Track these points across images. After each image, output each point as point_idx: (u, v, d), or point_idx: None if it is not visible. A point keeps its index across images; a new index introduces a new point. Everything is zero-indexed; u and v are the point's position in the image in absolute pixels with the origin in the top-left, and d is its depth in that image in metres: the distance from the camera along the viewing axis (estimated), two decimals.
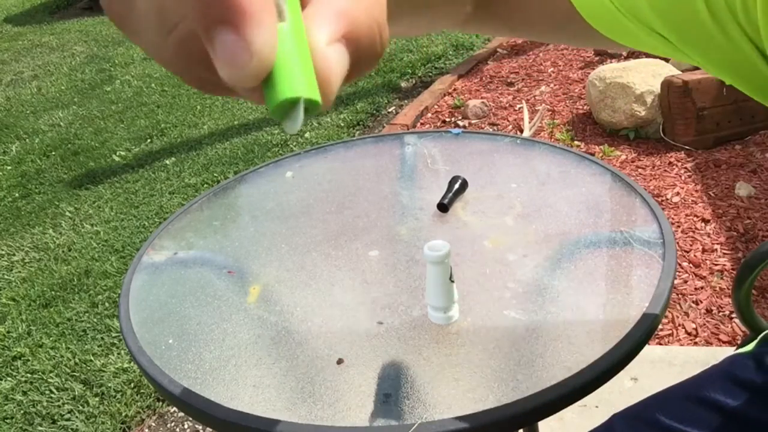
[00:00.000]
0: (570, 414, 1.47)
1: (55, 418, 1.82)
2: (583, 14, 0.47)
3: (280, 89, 0.19)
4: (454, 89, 3.62)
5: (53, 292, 2.38)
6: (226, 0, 0.18)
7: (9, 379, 1.99)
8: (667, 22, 0.45)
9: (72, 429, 1.78)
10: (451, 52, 4.22)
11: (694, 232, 2.12)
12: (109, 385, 1.89)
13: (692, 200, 2.28)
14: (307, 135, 3.37)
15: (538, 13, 0.50)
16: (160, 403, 1.84)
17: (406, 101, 3.62)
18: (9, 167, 3.59)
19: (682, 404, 0.74)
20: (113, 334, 2.10)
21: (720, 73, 0.48)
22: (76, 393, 1.88)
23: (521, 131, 2.97)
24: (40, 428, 1.79)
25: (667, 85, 2.59)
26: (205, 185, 3.02)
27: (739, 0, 0.42)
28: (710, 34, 0.45)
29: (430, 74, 3.94)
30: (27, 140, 3.92)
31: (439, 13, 0.47)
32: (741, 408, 0.71)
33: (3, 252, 2.72)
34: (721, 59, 0.46)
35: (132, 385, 1.89)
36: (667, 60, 3.02)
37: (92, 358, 2.01)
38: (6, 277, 2.54)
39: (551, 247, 0.86)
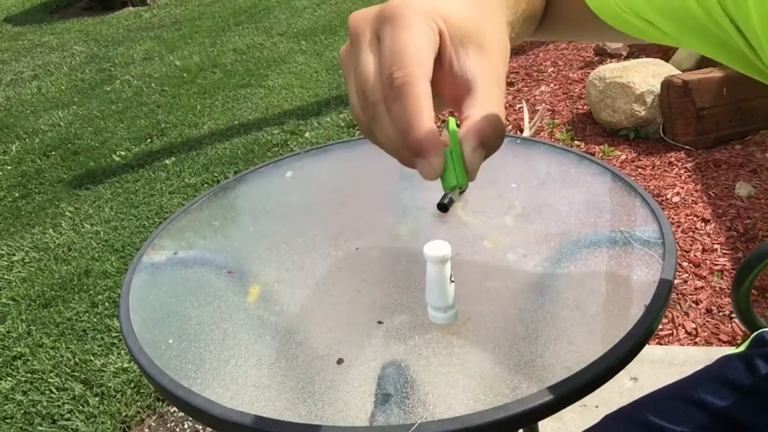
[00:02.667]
0: (570, 414, 1.47)
1: (55, 418, 1.82)
2: (597, 13, 0.56)
3: (447, 182, 0.39)
4: None
5: (53, 292, 2.38)
6: (420, 145, 0.37)
7: (9, 379, 1.99)
8: (663, 16, 0.51)
9: (72, 429, 1.78)
10: None
11: (694, 232, 2.12)
12: (109, 385, 1.89)
13: (692, 200, 2.28)
14: (307, 135, 3.37)
15: (577, 17, 0.60)
16: (160, 403, 1.84)
17: None
18: (9, 167, 3.59)
19: (673, 404, 0.74)
20: (113, 334, 2.10)
21: (716, 57, 0.52)
22: (76, 393, 1.89)
23: (521, 131, 2.97)
24: (40, 428, 1.79)
25: (667, 85, 2.59)
26: (205, 185, 3.02)
27: None
28: (702, 25, 0.48)
29: None
30: (27, 140, 3.92)
31: (523, 33, 0.60)
32: (730, 409, 0.71)
33: (3, 252, 2.72)
34: (714, 46, 0.50)
35: (132, 385, 1.89)
36: (667, 60, 3.02)
37: (92, 358, 2.01)
38: (6, 277, 2.54)
39: (551, 247, 0.86)
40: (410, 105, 0.36)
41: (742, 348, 0.80)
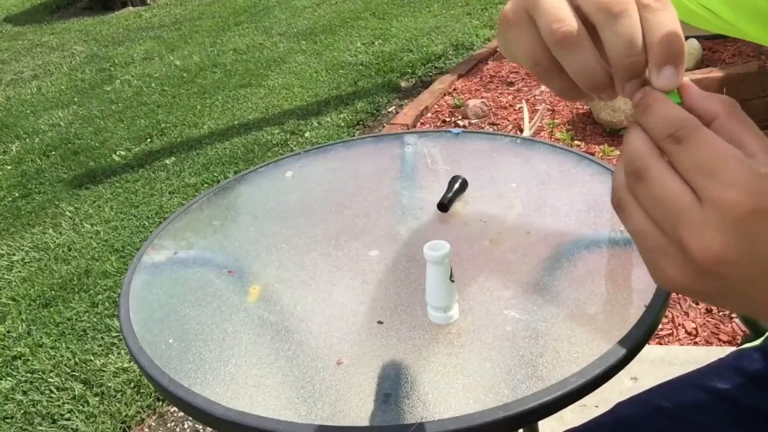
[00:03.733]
0: (570, 414, 1.47)
1: (55, 417, 1.82)
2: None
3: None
4: (454, 89, 3.62)
5: (53, 292, 2.38)
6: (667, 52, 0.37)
7: (9, 379, 1.99)
8: (722, 1, 0.55)
9: (72, 429, 1.78)
10: (451, 52, 4.22)
11: None
12: (109, 384, 1.89)
13: None
14: (307, 135, 3.37)
15: None
16: (160, 403, 1.84)
17: (406, 101, 3.62)
18: (9, 167, 3.59)
19: (686, 391, 0.74)
20: (113, 334, 2.10)
21: None
22: (76, 393, 1.89)
23: (521, 131, 2.97)
24: (40, 428, 1.79)
25: None
26: (205, 185, 3.02)
27: None
28: (762, 10, 0.51)
29: (430, 74, 3.94)
30: (27, 140, 3.92)
31: None
32: (747, 397, 0.71)
33: (3, 252, 2.72)
34: None
35: (132, 385, 1.89)
36: None
37: (92, 358, 2.01)
38: (6, 276, 2.54)
39: (551, 247, 0.86)
40: (635, 25, 0.37)
41: (759, 341, 0.81)
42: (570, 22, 0.37)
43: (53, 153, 3.68)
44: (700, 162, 0.32)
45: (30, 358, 2.06)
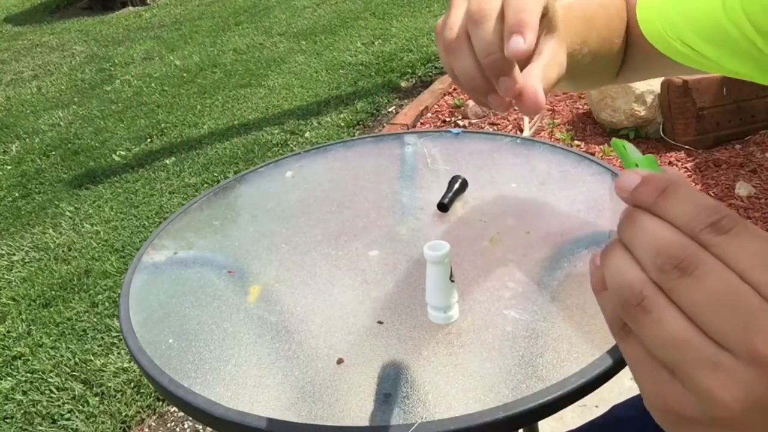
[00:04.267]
0: (570, 414, 1.47)
1: (55, 417, 1.82)
2: (650, 40, 0.64)
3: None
4: (454, 89, 3.62)
5: (53, 292, 2.38)
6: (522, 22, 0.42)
7: (9, 379, 1.99)
8: (702, 38, 0.58)
9: (72, 429, 1.78)
10: None
11: None
12: (109, 384, 1.89)
13: None
14: (307, 135, 3.37)
15: (643, 56, 0.68)
16: (160, 403, 1.84)
17: (406, 101, 3.62)
18: (9, 167, 3.59)
19: None
20: (113, 334, 2.10)
21: (758, 78, 0.58)
22: (76, 393, 1.89)
23: (521, 131, 2.97)
24: (40, 428, 1.79)
25: (667, 84, 2.59)
26: (205, 185, 3.02)
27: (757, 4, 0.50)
28: (736, 42, 0.54)
29: (430, 74, 3.94)
30: (27, 140, 3.92)
31: (596, 80, 0.71)
32: None
33: (3, 252, 2.72)
34: (752, 65, 0.56)
35: (132, 385, 1.89)
36: None
37: (92, 358, 2.01)
38: (6, 277, 2.54)
39: (551, 247, 0.86)
40: (491, 28, 0.43)
41: None
42: (453, 30, 0.45)
43: (53, 153, 3.68)
44: (761, 254, 0.27)
45: (30, 358, 2.06)
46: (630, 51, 0.69)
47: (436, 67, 4.02)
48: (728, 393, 0.26)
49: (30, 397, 1.90)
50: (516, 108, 0.45)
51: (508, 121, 3.15)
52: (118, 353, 2.02)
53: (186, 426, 1.79)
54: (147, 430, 1.78)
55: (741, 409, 0.26)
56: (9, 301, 2.37)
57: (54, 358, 2.04)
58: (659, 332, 0.28)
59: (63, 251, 2.65)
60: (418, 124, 3.27)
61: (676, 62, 0.63)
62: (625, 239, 0.31)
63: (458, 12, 0.45)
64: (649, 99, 2.67)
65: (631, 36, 0.67)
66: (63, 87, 4.82)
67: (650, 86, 2.68)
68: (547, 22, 0.47)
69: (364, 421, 0.63)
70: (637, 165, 0.34)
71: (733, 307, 0.26)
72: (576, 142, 2.81)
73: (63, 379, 1.95)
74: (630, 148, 0.36)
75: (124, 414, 1.80)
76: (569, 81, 0.65)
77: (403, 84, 3.87)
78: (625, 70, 0.71)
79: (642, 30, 0.64)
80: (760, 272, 0.26)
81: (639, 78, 0.74)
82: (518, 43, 0.40)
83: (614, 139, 0.37)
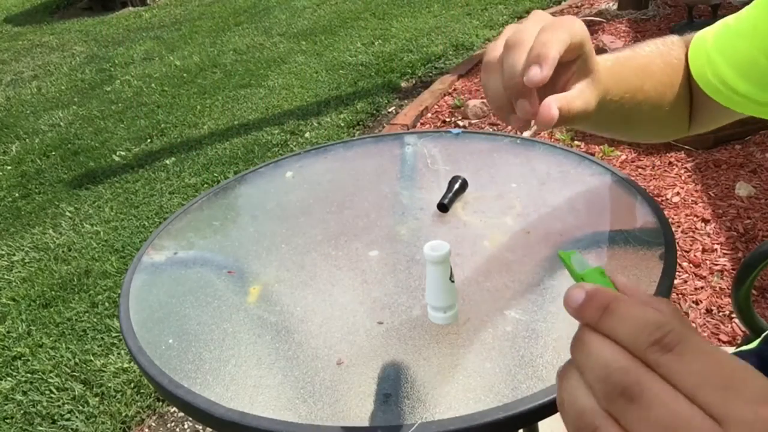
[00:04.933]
0: None
1: (55, 418, 1.82)
2: (702, 86, 0.68)
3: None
4: (454, 89, 3.62)
5: (53, 292, 2.38)
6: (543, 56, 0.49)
7: (9, 379, 1.99)
8: (743, 77, 0.61)
9: (72, 429, 1.78)
10: (451, 52, 4.22)
11: (694, 232, 2.12)
12: (109, 385, 1.89)
13: (692, 200, 2.28)
14: (307, 135, 3.37)
15: (702, 105, 0.71)
16: (160, 403, 1.84)
17: (406, 101, 3.62)
18: (9, 167, 3.59)
19: None
20: (113, 334, 2.10)
21: None
22: (76, 393, 1.88)
23: (521, 131, 2.96)
24: (40, 428, 1.79)
25: None
26: (205, 185, 3.02)
27: None
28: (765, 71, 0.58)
29: (430, 74, 3.94)
30: (27, 140, 3.92)
31: (665, 128, 0.75)
32: None
33: (3, 252, 2.72)
34: None
35: (132, 385, 1.89)
36: None
37: (92, 358, 2.01)
38: (6, 277, 2.54)
39: (551, 247, 0.86)
40: (519, 56, 0.49)
41: (754, 344, 0.80)
42: (494, 53, 0.52)
43: (53, 153, 3.68)
44: (706, 374, 0.27)
45: (30, 358, 2.06)
46: (694, 100, 0.72)
47: (436, 68, 4.02)
48: None
49: (30, 397, 1.90)
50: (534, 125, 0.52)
51: None
52: (118, 353, 2.02)
53: (186, 426, 1.79)
54: (147, 430, 1.78)
55: None
56: (9, 301, 2.37)
57: (54, 359, 2.04)
58: None
59: (63, 251, 2.65)
60: (418, 124, 3.27)
61: (727, 107, 0.67)
62: (576, 362, 0.31)
63: (503, 38, 0.51)
64: None
65: (693, 85, 0.71)
66: (63, 87, 4.82)
67: None
68: (581, 64, 0.53)
69: (364, 421, 0.63)
70: (583, 278, 0.34)
71: None
72: (576, 142, 2.81)
73: (63, 380, 1.95)
74: (576, 260, 0.36)
75: (124, 414, 1.80)
76: (630, 127, 0.71)
77: (403, 84, 3.87)
78: (696, 119, 0.74)
79: (693, 75, 0.68)
80: (704, 392, 0.26)
81: (711, 126, 0.76)
82: (535, 73, 0.47)
83: (560, 252, 0.37)
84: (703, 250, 2.02)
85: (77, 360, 2.01)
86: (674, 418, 0.26)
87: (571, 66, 0.53)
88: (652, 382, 0.27)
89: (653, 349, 0.28)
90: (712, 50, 0.65)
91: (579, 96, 0.53)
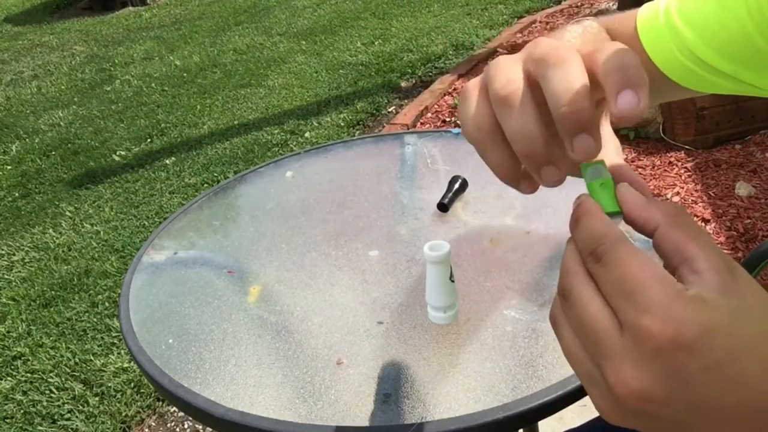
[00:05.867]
0: (570, 414, 1.47)
1: (55, 418, 1.82)
2: (664, 70, 0.60)
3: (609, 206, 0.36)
4: (454, 89, 3.62)
5: (53, 292, 2.38)
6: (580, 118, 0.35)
7: (9, 379, 1.99)
8: (727, 57, 0.56)
9: (72, 429, 1.78)
10: (451, 52, 4.22)
11: None
12: (109, 385, 1.89)
13: (692, 200, 2.28)
14: (307, 135, 3.37)
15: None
16: (160, 403, 1.84)
17: (406, 101, 3.62)
18: (9, 167, 3.59)
19: None
20: (113, 334, 2.10)
21: None
22: (76, 393, 1.88)
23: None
24: (40, 428, 1.79)
25: None
26: (205, 185, 3.02)
27: None
28: (760, 51, 0.53)
29: (430, 74, 3.94)
30: (27, 140, 3.92)
31: None
32: None
33: (3, 252, 2.72)
34: None
35: (132, 385, 1.89)
36: None
37: (92, 358, 2.01)
38: (6, 277, 2.54)
39: (551, 247, 0.86)
40: (576, 72, 0.35)
41: None
42: (517, 83, 0.36)
43: (53, 153, 3.68)
44: (618, 283, 0.30)
45: (30, 358, 2.06)
46: None
47: (436, 67, 4.02)
48: (602, 405, 0.31)
49: (30, 397, 1.90)
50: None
51: None
52: (118, 353, 2.02)
53: (186, 426, 1.79)
54: (147, 430, 1.78)
55: (613, 420, 0.31)
56: (9, 301, 2.37)
57: (54, 358, 2.04)
58: (562, 347, 0.34)
59: (63, 251, 2.65)
60: (418, 124, 3.27)
61: (682, 87, 0.62)
62: None
63: (503, 70, 0.38)
64: None
65: None
66: (63, 87, 4.82)
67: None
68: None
69: (364, 421, 0.63)
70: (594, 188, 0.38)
71: (589, 332, 0.31)
72: None
73: (63, 379, 1.95)
74: (592, 171, 0.38)
75: (124, 414, 1.80)
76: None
77: (403, 84, 3.87)
78: None
79: (653, 59, 0.62)
80: (614, 299, 0.30)
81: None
82: (632, 103, 0.33)
83: (582, 164, 0.38)
84: None
85: (77, 360, 2.01)
86: (585, 315, 0.31)
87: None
88: (580, 285, 0.32)
89: (588, 258, 0.32)
90: (684, 29, 0.59)
91: (611, 148, 0.44)
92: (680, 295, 0.29)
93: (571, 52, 0.35)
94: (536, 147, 0.36)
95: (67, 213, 2.97)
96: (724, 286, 0.29)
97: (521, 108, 0.35)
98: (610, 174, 0.37)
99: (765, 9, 0.52)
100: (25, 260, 2.64)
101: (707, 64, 0.57)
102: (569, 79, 0.34)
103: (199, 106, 4.00)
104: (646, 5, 0.63)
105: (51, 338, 2.13)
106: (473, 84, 0.39)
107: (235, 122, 3.69)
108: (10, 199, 3.22)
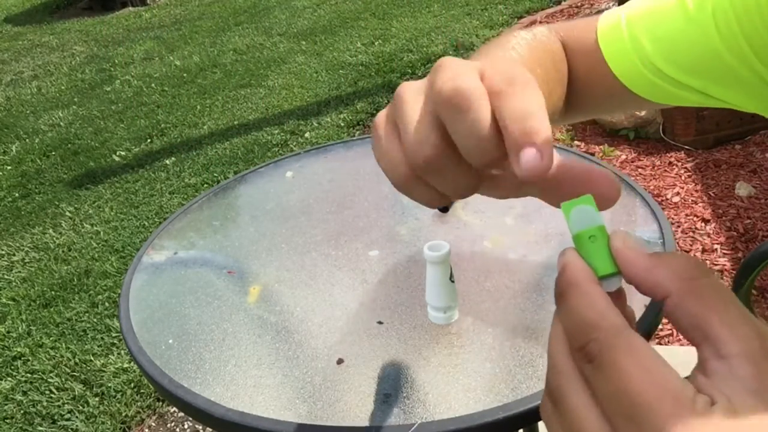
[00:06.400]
0: None
1: (55, 418, 1.82)
2: (626, 83, 0.58)
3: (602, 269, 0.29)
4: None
5: (53, 292, 2.38)
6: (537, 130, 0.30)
7: (9, 379, 1.99)
8: (695, 73, 0.54)
9: (72, 429, 1.78)
10: (451, 52, 4.22)
11: (694, 232, 2.12)
12: (109, 385, 1.89)
13: (692, 200, 2.28)
14: (307, 135, 3.37)
15: (600, 91, 0.62)
16: (160, 403, 1.84)
17: None
18: (9, 167, 3.59)
19: None
20: (113, 334, 2.10)
21: (758, 108, 0.55)
22: (76, 393, 1.88)
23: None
24: (40, 428, 1.79)
25: None
26: (205, 185, 3.02)
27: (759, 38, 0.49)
28: (737, 73, 0.53)
29: None
30: (27, 140, 3.92)
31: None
32: None
33: (3, 252, 2.72)
34: (753, 94, 0.54)
35: (132, 385, 1.89)
36: None
37: (92, 358, 2.01)
38: (6, 277, 2.54)
39: (551, 247, 0.86)
40: (482, 119, 0.30)
41: None
42: (431, 143, 0.31)
43: (53, 153, 3.68)
44: (617, 399, 0.24)
45: (30, 358, 2.06)
46: (585, 92, 0.63)
47: None
48: None
49: (30, 397, 1.90)
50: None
51: None
52: (118, 353, 2.02)
53: (186, 426, 1.79)
54: (147, 430, 1.78)
55: None
56: (9, 301, 2.37)
57: (54, 359, 2.04)
58: None
59: (63, 251, 2.65)
60: None
61: (645, 100, 0.59)
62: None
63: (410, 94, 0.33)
64: None
65: (590, 76, 0.61)
66: (63, 87, 4.82)
67: None
68: None
69: (364, 421, 0.63)
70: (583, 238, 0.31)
71: None
72: (576, 142, 2.81)
73: (63, 380, 1.95)
74: (578, 214, 0.32)
75: (124, 414, 1.80)
76: None
77: None
78: (572, 112, 0.64)
79: (616, 73, 0.59)
80: (613, 416, 0.25)
81: (583, 118, 0.69)
82: (534, 162, 0.29)
83: (563, 204, 0.33)
84: (703, 250, 2.02)
85: (77, 360, 2.01)
86: (582, 430, 0.26)
87: None
88: (571, 390, 0.27)
89: (578, 355, 0.27)
90: (649, 44, 0.56)
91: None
92: (701, 415, 0.23)
93: (474, 95, 0.30)
94: (468, 190, 0.34)
95: (67, 213, 2.97)
96: (761, 379, 0.23)
97: (447, 172, 0.33)
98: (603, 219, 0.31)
99: (733, 25, 0.51)
100: (25, 260, 2.64)
101: (674, 78, 0.56)
102: (476, 134, 0.30)
103: (199, 107, 4.00)
104: (605, 14, 0.62)
105: (51, 338, 2.13)
106: (381, 119, 0.35)
107: (235, 122, 3.69)
108: (10, 199, 3.22)
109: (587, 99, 0.63)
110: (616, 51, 0.58)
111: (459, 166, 0.32)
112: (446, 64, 0.32)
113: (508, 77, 0.30)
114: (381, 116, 0.35)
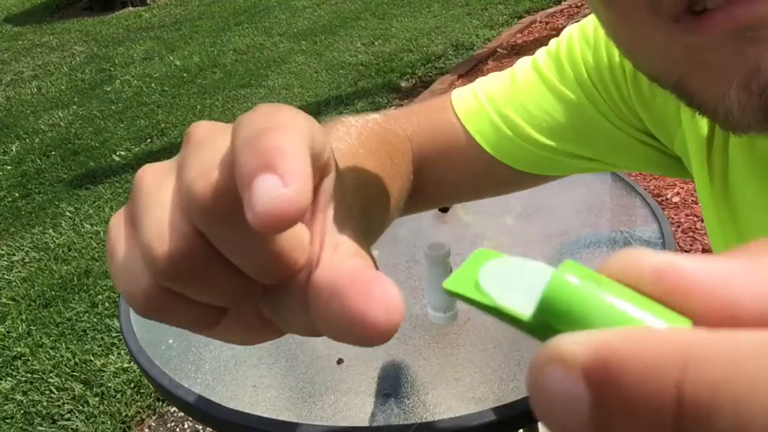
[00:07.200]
0: None
1: (55, 418, 1.82)
2: (505, 161, 0.54)
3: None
4: (454, 89, 3.62)
5: (53, 292, 2.38)
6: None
7: (9, 379, 1.99)
8: (588, 144, 0.53)
9: (72, 429, 1.78)
10: (451, 52, 4.22)
11: (694, 232, 2.12)
12: (109, 385, 1.89)
13: (692, 200, 2.28)
14: None
15: (463, 174, 0.57)
16: (160, 403, 1.84)
17: (406, 101, 3.62)
18: (9, 167, 3.59)
19: None
20: (113, 334, 2.10)
21: (649, 168, 0.55)
22: (76, 393, 1.89)
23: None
24: (40, 428, 1.79)
25: None
26: None
27: (628, 102, 0.49)
28: (619, 139, 0.52)
29: (430, 74, 3.94)
30: (27, 140, 3.92)
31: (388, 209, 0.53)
32: None
33: (3, 252, 2.72)
34: (638, 157, 0.53)
35: (132, 385, 1.89)
36: None
37: (92, 358, 2.01)
38: (6, 277, 2.54)
39: (551, 247, 0.86)
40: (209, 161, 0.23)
41: None
42: (179, 236, 0.22)
43: (53, 153, 3.68)
44: None
45: (30, 358, 2.06)
46: (446, 178, 0.58)
47: (436, 68, 4.02)
48: None
49: (30, 397, 1.90)
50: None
51: None
52: (118, 353, 2.02)
53: (186, 426, 1.79)
54: (147, 430, 1.78)
55: None
56: (9, 301, 2.38)
57: (54, 358, 2.04)
58: None
59: (63, 251, 2.65)
60: None
61: (535, 175, 0.56)
62: None
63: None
64: None
65: (451, 160, 0.56)
66: (63, 87, 4.82)
67: None
68: (331, 192, 0.25)
69: (364, 421, 0.63)
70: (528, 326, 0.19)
71: None
72: None
73: (63, 379, 1.95)
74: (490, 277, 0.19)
75: (124, 414, 1.80)
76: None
77: (403, 84, 3.87)
78: (421, 201, 0.58)
79: (489, 150, 0.55)
80: None
81: (438, 206, 0.65)
82: (274, 190, 0.19)
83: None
84: (703, 250, 2.02)
85: (77, 360, 2.01)
86: None
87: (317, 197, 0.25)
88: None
89: None
90: (525, 125, 0.53)
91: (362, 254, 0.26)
92: None
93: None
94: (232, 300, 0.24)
95: (67, 213, 2.97)
96: None
97: (201, 283, 0.23)
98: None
99: (613, 93, 0.50)
100: (25, 260, 2.64)
101: (563, 150, 0.53)
102: (251, 250, 0.22)
103: (199, 106, 4.01)
104: (457, 97, 0.58)
105: (51, 338, 2.13)
106: (114, 222, 0.26)
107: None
108: (10, 199, 3.22)
109: (449, 186, 0.59)
110: (488, 132, 0.55)
111: (225, 265, 0.23)
112: (197, 140, 0.24)
113: (260, 128, 0.21)
114: (115, 218, 0.26)
